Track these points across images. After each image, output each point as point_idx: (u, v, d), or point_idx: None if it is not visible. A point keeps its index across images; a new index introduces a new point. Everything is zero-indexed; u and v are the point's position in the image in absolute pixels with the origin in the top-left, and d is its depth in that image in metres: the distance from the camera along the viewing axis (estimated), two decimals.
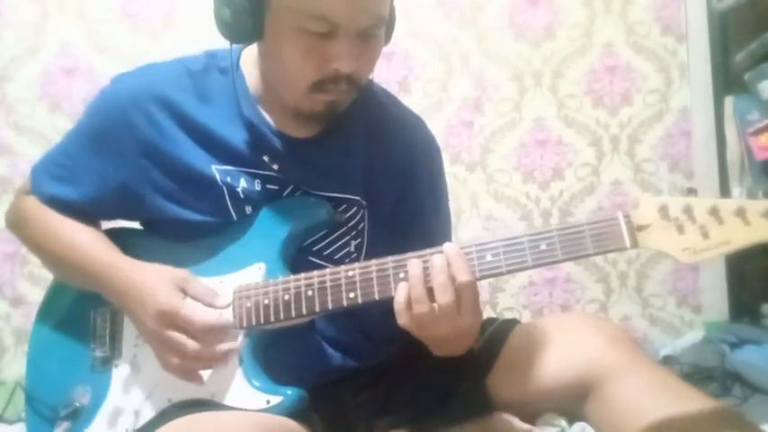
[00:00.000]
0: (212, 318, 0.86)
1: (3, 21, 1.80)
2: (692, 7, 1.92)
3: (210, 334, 0.86)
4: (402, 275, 0.83)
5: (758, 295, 1.87)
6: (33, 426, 1.01)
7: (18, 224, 1.04)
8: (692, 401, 0.80)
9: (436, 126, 1.89)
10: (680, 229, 0.76)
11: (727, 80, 1.87)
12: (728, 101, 1.82)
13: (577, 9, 1.91)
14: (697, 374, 1.60)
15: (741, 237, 0.74)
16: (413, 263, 0.82)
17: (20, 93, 1.81)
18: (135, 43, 1.80)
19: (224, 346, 0.86)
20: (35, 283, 1.81)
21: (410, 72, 1.88)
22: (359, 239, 0.97)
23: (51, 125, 1.79)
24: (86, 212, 0.98)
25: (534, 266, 0.81)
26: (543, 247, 0.80)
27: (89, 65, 1.81)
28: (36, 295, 1.81)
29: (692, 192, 0.78)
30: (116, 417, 0.93)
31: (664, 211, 0.77)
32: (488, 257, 0.82)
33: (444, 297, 0.80)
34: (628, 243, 0.78)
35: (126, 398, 0.93)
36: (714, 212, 0.75)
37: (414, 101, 1.85)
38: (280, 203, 0.94)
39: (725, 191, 1.86)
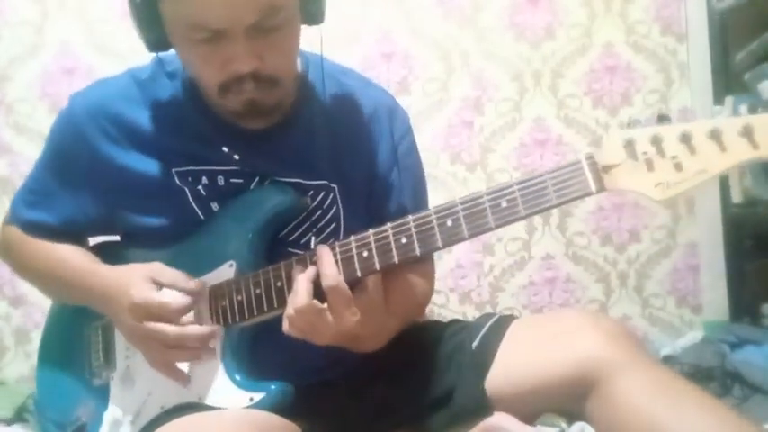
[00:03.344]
0: (185, 299, 0.87)
1: (3, 21, 1.80)
2: (692, 7, 1.92)
3: (188, 317, 0.86)
4: (366, 254, 0.82)
5: (758, 295, 1.87)
6: None
7: (5, 252, 1.07)
8: (692, 399, 0.80)
9: (436, 126, 1.89)
10: (649, 165, 0.70)
11: (727, 80, 1.87)
12: (728, 101, 1.82)
13: (577, 9, 1.91)
14: (697, 374, 1.60)
15: (718, 163, 0.67)
16: (293, 269, 0.83)
17: (20, 93, 1.81)
18: (135, 43, 1.79)
19: (205, 327, 0.87)
20: None
21: (410, 72, 1.88)
22: (333, 224, 0.98)
23: (51, 125, 1.79)
24: (65, 233, 1.00)
25: (497, 226, 0.77)
26: (504, 204, 0.76)
27: (89, 65, 1.81)
28: (36, 295, 1.81)
29: (664, 119, 0.71)
30: (116, 428, 0.94)
31: (630, 146, 0.70)
32: (449, 223, 0.78)
33: (298, 301, 0.80)
34: (593, 188, 0.72)
35: (123, 409, 0.94)
36: (686, 140, 0.68)
37: (414, 101, 1.85)
38: (243, 196, 0.94)
39: (725, 191, 1.86)
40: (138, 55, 0.99)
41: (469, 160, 1.91)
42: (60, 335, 1.06)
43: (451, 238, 0.79)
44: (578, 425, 1.09)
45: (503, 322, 0.98)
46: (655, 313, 1.97)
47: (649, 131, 0.69)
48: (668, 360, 1.75)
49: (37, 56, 1.81)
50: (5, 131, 1.81)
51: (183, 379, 0.88)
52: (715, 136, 0.67)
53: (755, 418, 1.25)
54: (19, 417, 1.59)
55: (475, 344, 0.96)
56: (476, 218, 0.77)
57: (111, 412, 0.95)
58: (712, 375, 1.59)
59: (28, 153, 1.79)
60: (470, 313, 1.88)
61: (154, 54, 0.94)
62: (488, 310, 1.90)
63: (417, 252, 0.80)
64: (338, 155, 0.98)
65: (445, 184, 1.87)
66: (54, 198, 0.99)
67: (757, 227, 1.85)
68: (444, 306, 1.87)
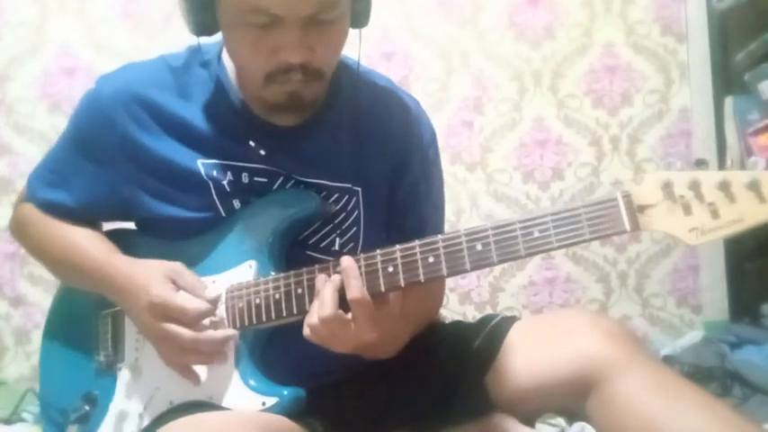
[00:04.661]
0: (205, 305, 0.86)
1: (3, 21, 1.80)
2: (692, 7, 1.92)
3: (204, 322, 0.86)
4: (391, 270, 0.81)
5: (758, 295, 1.87)
6: (47, 430, 1.02)
7: (19, 231, 1.05)
8: (692, 399, 0.80)
9: (436, 126, 1.87)
10: (686, 209, 0.70)
11: (727, 80, 1.87)
12: (728, 101, 1.82)
13: (577, 9, 1.91)
14: (697, 374, 1.60)
15: (755, 214, 0.67)
16: (318, 278, 0.82)
17: (20, 93, 1.81)
18: (135, 43, 1.80)
19: (220, 333, 0.86)
20: (35, 283, 1.81)
21: (410, 72, 1.88)
22: (354, 229, 0.97)
23: (51, 125, 1.79)
24: (82, 215, 0.99)
25: (527, 255, 0.76)
26: (536, 234, 0.75)
27: (89, 65, 1.81)
28: (36, 295, 1.82)
29: (701, 164, 0.71)
30: (122, 420, 0.93)
31: (668, 188, 0.70)
32: (478, 247, 0.77)
33: (324, 311, 0.79)
34: (627, 226, 0.72)
35: (130, 401, 0.93)
36: (724, 187, 0.68)
37: None
38: (267, 197, 0.93)
39: None
40: (140, 54, 0.99)
41: (469, 160, 1.91)
42: (68, 320, 1.05)
43: (480, 263, 0.77)
44: (578, 425, 1.09)
45: (504, 323, 0.98)
46: (655, 313, 1.97)
47: (688, 175, 0.70)
48: (668, 360, 1.75)
49: (37, 56, 1.81)
50: (5, 131, 1.81)
51: (196, 379, 0.87)
52: (754, 187, 0.67)
53: (755, 418, 1.25)
54: (19, 416, 1.59)
55: (476, 344, 0.96)
56: (506, 244, 0.76)
57: (118, 403, 0.94)
58: (712, 375, 1.59)
59: (28, 153, 1.79)
60: (470, 313, 1.88)
61: (158, 51, 0.93)
62: (488, 310, 1.90)
63: (444, 273, 0.79)
64: (364, 158, 0.97)
65: (445, 184, 1.87)
66: (74, 179, 0.98)
67: (757, 227, 1.85)
68: (444, 306, 1.87)
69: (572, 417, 0.98)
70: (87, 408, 0.95)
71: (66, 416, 0.97)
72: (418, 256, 0.80)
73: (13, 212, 1.07)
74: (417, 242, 0.81)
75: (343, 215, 0.96)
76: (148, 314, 0.85)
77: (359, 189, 0.96)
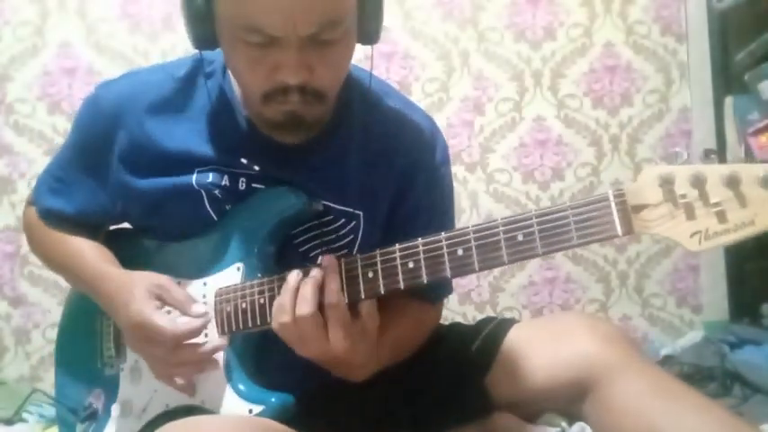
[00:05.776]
0: (183, 327, 0.82)
1: (3, 21, 1.80)
2: (692, 7, 1.92)
3: (186, 340, 0.83)
4: (371, 275, 0.78)
5: (758, 295, 1.87)
6: (62, 428, 1.04)
7: (27, 232, 1.07)
8: (689, 402, 0.80)
9: None
10: (688, 211, 0.60)
11: (727, 80, 1.87)
12: (728, 101, 1.82)
13: (577, 9, 1.92)
14: (697, 374, 1.60)
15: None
16: (292, 273, 0.80)
17: (20, 93, 1.81)
18: (135, 43, 1.79)
19: (205, 348, 0.83)
20: (35, 283, 1.81)
21: (410, 72, 1.88)
22: (346, 250, 0.94)
23: (51, 125, 1.79)
24: (81, 222, 0.99)
25: (510, 262, 0.71)
26: (520, 238, 0.69)
27: (89, 65, 1.80)
28: (36, 295, 1.82)
29: (709, 155, 0.61)
30: (125, 419, 0.94)
31: (668, 185, 0.61)
32: (459, 252, 0.73)
33: (303, 308, 0.77)
34: (620, 230, 0.64)
35: (131, 402, 0.94)
36: (733, 184, 0.58)
37: (413, 101, 1.84)
38: (253, 198, 0.91)
39: None
40: (139, 54, 0.99)
41: (469, 160, 1.91)
42: (78, 321, 1.06)
43: (461, 269, 0.73)
44: (579, 425, 1.09)
45: (503, 325, 0.98)
46: (655, 313, 1.97)
47: (691, 169, 0.60)
48: (668, 360, 1.75)
49: (37, 56, 1.81)
50: (5, 131, 1.81)
51: (189, 390, 0.87)
52: (767, 183, 0.58)
53: (755, 418, 1.25)
54: (20, 417, 1.59)
55: (475, 346, 0.96)
56: (488, 250, 0.71)
57: (120, 404, 0.95)
58: (712, 375, 1.59)
59: (28, 153, 1.79)
60: (470, 313, 1.88)
61: (157, 51, 0.92)
62: (488, 310, 1.90)
63: (424, 279, 0.75)
64: (371, 182, 0.93)
65: None
66: (74, 188, 0.98)
67: None
68: (444, 306, 1.86)
69: (572, 417, 0.98)
70: (95, 407, 0.97)
71: (77, 414, 0.99)
72: (398, 261, 0.77)
73: (23, 213, 1.09)
74: (398, 246, 0.78)
75: (338, 235, 0.93)
76: (130, 331, 0.85)
77: (360, 213, 0.93)
